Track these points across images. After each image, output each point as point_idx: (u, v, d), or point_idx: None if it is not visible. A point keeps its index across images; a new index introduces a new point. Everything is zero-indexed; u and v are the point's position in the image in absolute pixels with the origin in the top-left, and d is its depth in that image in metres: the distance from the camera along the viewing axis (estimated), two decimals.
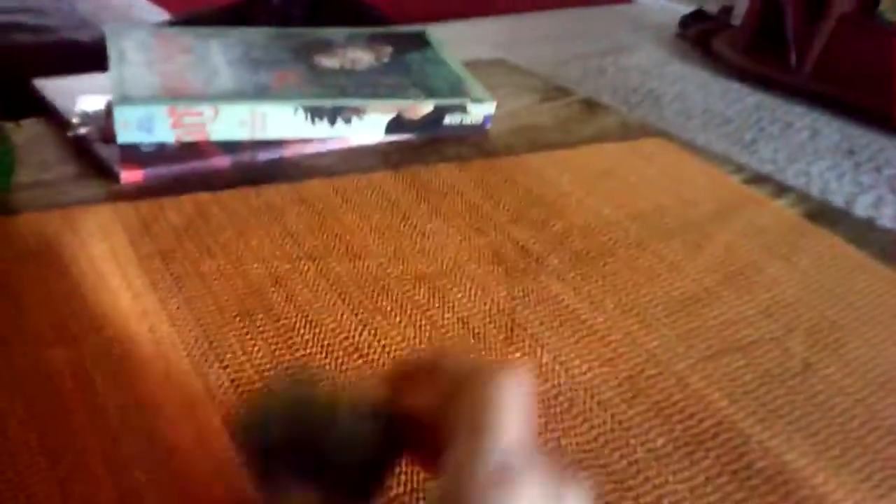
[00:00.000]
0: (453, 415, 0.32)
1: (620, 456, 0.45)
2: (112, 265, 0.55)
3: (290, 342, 0.50)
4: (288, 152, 0.74)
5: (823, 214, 0.73)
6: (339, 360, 0.49)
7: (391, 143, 0.79)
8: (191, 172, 0.70)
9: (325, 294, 0.55)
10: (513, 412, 0.32)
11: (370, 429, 0.35)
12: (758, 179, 0.79)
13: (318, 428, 0.35)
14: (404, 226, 0.64)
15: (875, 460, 0.46)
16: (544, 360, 0.51)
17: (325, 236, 0.62)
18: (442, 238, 0.63)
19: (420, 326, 0.53)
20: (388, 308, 0.54)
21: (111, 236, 0.59)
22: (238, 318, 0.52)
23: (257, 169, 0.72)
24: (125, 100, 0.68)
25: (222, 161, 0.71)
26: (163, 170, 0.69)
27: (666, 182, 0.76)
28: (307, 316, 0.53)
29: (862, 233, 0.70)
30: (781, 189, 0.77)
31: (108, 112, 0.69)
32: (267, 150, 0.73)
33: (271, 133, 0.73)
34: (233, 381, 0.47)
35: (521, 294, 0.57)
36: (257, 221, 0.63)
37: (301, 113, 0.73)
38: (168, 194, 0.65)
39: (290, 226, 0.63)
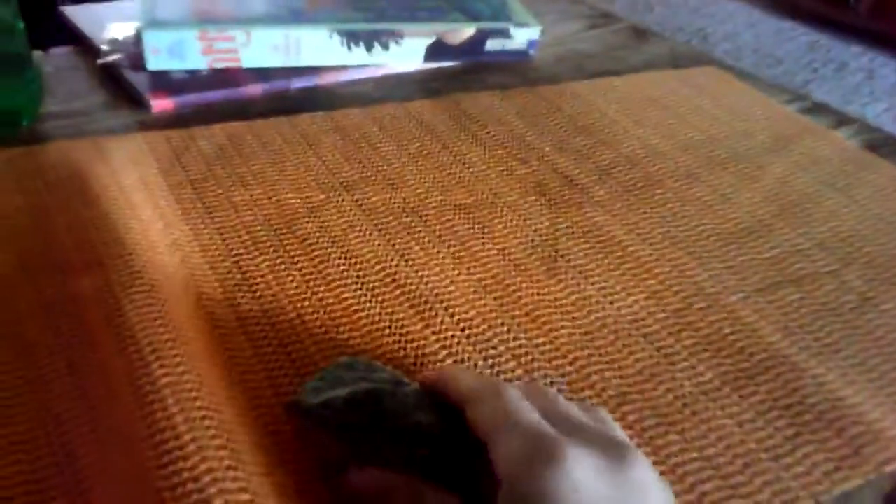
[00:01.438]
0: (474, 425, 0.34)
1: (666, 390, 0.44)
2: (143, 194, 0.55)
3: (324, 273, 0.50)
4: (323, 80, 0.73)
5: (886, 145, 0.70)
6: (375, 292, 0.49)
7: (431, 71, 0.77)
8: (223, 101, 0.69)
9: (361, 224, 0.55)
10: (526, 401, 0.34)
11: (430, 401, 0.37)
12: (816, 109, 0.76)
13: (385, 395, 0.36)
14: (443, 155, 0.63)
15: None
16: (588, 293, 0.50)
17: (361, 165, 0.61)
18: (482, 167, 0.62)
19: (459, 257, 0.52)
20: (426, 239, 0.54)
21: (142, 165, 0.59)
22: (272, 249, 0.52)
23: (291, 97, 0.71)
24: (154, 24, 0.68)
25: (255, 89, 0.71)
26: (194, 98, 0.68)
27: (718, 112, 0.74)
28: (342, 247, 0.53)
29: None
30: (841, 119, 0.75)
31: (138, 38, 0.69)
32: (301, 78, 0.72)
33: (305, 59, 0.73)
34: (265, 311, 0.47)
35: (564, 225, 0.56)
36: (291, 150, 0.62)
37: (336, 38, 0.72)
38: (200, 123, 0.65)
39: (325, 155, 0.62)
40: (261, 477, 0.37)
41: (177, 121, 0.66)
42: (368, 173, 0.60)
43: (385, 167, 0.61)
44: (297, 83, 0.72)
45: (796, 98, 0.78)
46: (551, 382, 0.44)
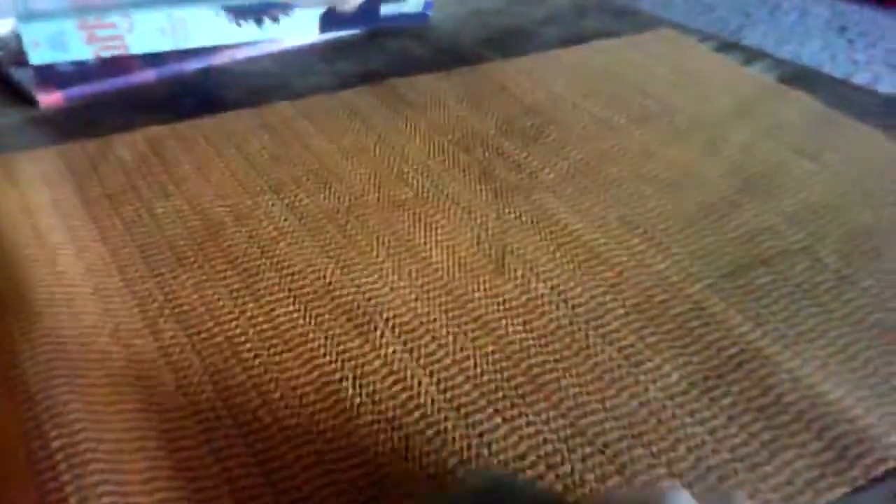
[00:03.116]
0: None
1: (630, 396, 0.40)
2: (54, 217, 0.50)
3: (253, 288, 0.45)
4: (217, 60, 0.69)
5: (799, 78, 0.66)
6: (310, 305, 0.44)
7: (328, 42, 0.73)
8: (115, 90, 0.65)
9: (293, 230, 0.50)
10: None
11: None
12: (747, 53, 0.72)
13: None
14: (380, 147, 0.58)
15: None
16: (540, 291, 0.46)
17: (291, 165, 0.56)
18: (422, 158, 0.57)
19: (400, 260, 0.47)
20: (364, 242, 0.49)
21: (54, 183, 0.54)
22: (196, 265, 0.47)
23: (186, 81, 0.66)
24: (30, 16, 0.63)
25: (147, 75, 0.66)
26: (83, 89, 0.64)
27: (674, 78, 0.69)
28: (272, 257, 0.48)
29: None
30: (752, 56, 0.70)
31: (17, 33, 0.64)
32: (194, 60, 0.68)
33: (195, 40, 0.68)
34: (190, 337, 0.43)
35: (512, 216, 0.51)
36: (216, 153, 0.57)
37: (223, 15, 0.68)
38: (96, 116, 0.60)
39: (253, 156, 0.57)
40: None
41: (70, 116, 0.62)
42: (299, 173, 0.55)
43: (317, 165, 0.56)
44: (191, 65, 0.68)
45: (754, 57, 0.73)
46: (510, 403, 0.39)
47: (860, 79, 2.02)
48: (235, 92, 0.66)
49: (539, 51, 0.73)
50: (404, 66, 0.70)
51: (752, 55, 0.74)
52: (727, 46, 0.75)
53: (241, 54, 0.70)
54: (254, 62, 0.70)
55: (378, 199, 0.53)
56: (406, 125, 0.61)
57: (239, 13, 0.69)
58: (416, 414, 0.39)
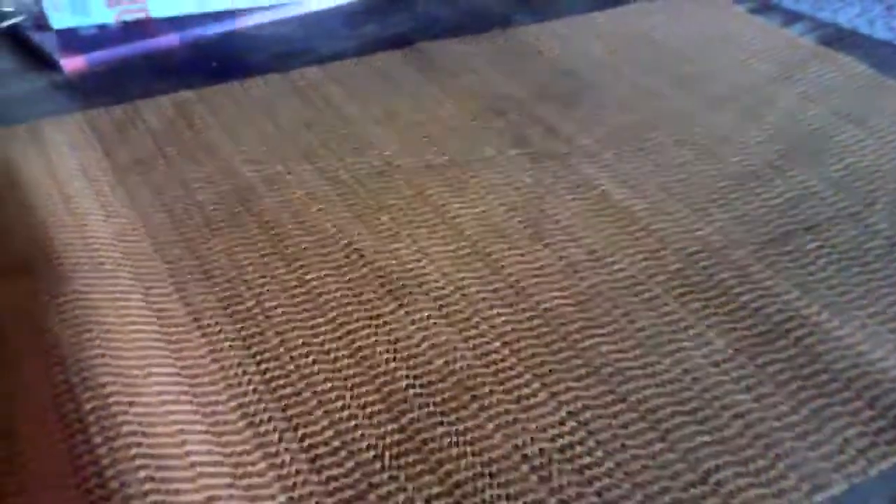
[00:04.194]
0: None
1: (672, 363, 0.39)
2: (82, 182, 0.50)
3: (284, 253, 0.45)
4: (240, 24, 0.68)
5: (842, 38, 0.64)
6: (342, 270, 0.44)
7: (353, 5, 0.72)
8: (138, 54, 0.65)
9: (324, 195, 0.49)
10: None
11: None
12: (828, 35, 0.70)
13: None
14: (412, 113, 0.58)
15: None
16: (578, 257, 0.45)
17: (321, 130, 0.56)
18: (455, 123, 0.56)
19: (433, 225, 0.47)
20: (396, 207, 0.49)
21: (81, 149, 0.54)
22: (227, 230, 0.47)
23: (210, 45, 0.66)
24: None
25: (171, 39, 0.66)
26: (106, 54, 0.64)
27: (713, 43, 0.68)
28: (304, 222, 0.47)
29: None
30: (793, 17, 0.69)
31: None
32: (217, 24, 0.68)
33: (218, 3, 0.68)
34: (221, 301, 0.43)
35: (549, 181, 0.51)
36: (246, 119, 0.57)
37: None
38: (120, 82, 0.60)
39: (283, 121, 0.57)
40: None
41: (94, 80, 0.62)
42: (330, 138, 0.55)
43: (347, 131, 0.56)
44: (214, 29, 0.68)
45: (798, 18, 0.72)
46: (549, 369, 0.39)
47: None
48: (261, 56, 0.66)
49: (572, 13, 0.72)
50: (432, 30, 0.69)
51: (790, 17, 0.72)
52: (765, 8, 0.74)
53: (264, 18, 0.70)
54: (277, 26, 0.70)
55: (410, 164, 0.52)
56: (437, 90, 0.61)
57: None
58: (453, 379, 0.38)
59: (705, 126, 0.56)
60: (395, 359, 0.39)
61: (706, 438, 0.36)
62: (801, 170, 0.52)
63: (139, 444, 0.34)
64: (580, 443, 0.35)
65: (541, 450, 0.35)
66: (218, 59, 0.65)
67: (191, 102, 0.59)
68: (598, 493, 0.33)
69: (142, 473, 0.32)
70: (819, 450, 0.35)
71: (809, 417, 0.36)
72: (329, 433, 0.36)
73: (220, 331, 0.41)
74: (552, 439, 0.36)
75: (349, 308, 0.42)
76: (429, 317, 0.41)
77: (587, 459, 0.35)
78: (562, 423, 0.36)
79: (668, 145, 0.54)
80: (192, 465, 0.34)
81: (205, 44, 0.67)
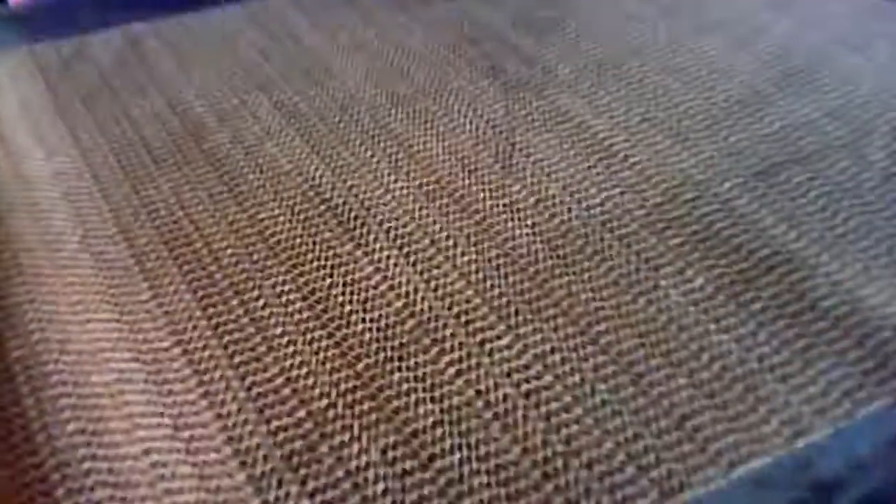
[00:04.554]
0: None
1: (647, 302, 0.37)
2: (22, 119, 0.48)
3: (235, 191, 0.43)
4: None
5: None
6: (296, 209, 0.42)
7: None
8: None
9: (280, 130, 0.47)
10: None
11: None
12: None
13: None
14: (378, 42, 0.55)
15: None
16: (551, 192, 0.43)
17: (282, 62, 0.53)
18: (425, 52, 0.54)
19: (396, 160, 0.45)
20: (357, 141, 0.46)
21: (23, 82, 0.51)
22: (175, 167, 0.45)
23: None
24: None
25: None
26: None
27: None
28: (257, 158, 0.45)
29: None
30: None
31: None
32: None
33: None
34: (167, 243, 0.41)
35: (522, 112, 0.49)
36: (202, 52, 0.54)
37: None
38: (87, 23, 0.57)
39: (241, 54, 0.54)
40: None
41: (42, 13, 0.59)
42: (290, 70, 0.52)
43: (309, 62, 0.53)
44: None
45: None
46: (515, 310, 0.37)
47: None
48: None
49: None
50: None
51: None
52: None
53: None
54: None
55: (374, 97, 0.50)
56: (408, 18, 0.58)
57: None
58: (412, 322, 0.36)
59: (692, 54, 0.54)
60: (351, 301, 0.37)
61: (681, 381, 0.34)
62: (794, 99, 0.50)
63: (69, 395, 0.32)
64: (547, 388, 0.34)
65: (504, 395, 0.33)
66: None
67: (144, 36, 0.56)
68: (566, 441, 0.32)
69: (72, 426, 0.31)
70: (802, 393, 0.33)
71: (793, 358, 0.35)
72: (279, 381, 0.34)
73: (165, 273, 0.39)
74: (517, 384, 0.34)
75: (303, 249, 0.40)
76: (388, 257, 0.39)
77: (554, 405, 0.33)
78: (527, 366, 0.34)
79: (652, 74, 0.52)
80: (130, 415, 0.32)
81: None
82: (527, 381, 0.34)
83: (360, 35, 0.56)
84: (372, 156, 0.45)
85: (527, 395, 0.33)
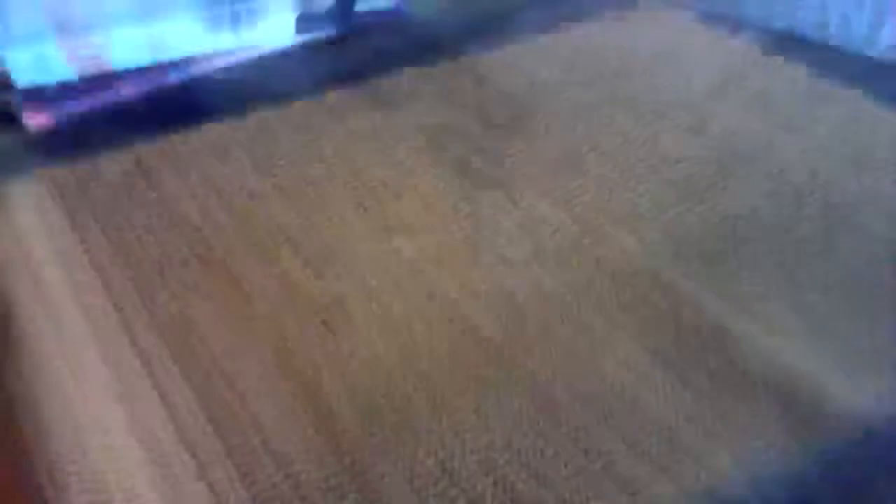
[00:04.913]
0: None
1: (600, 378, 0.43)
2: (43, 238, 0.54)
3: (237, 296, 0.49)
4: (197, 69, 0.72)
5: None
6: (291, 321, 0.48)
7: (305, 45, 0.76)
8: (101, 107, 0.68)
9: (264, 239, 0.53)
10: None
11: None
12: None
13: None
14: (361, 148, 0.62)
15: (887, 347, 0.43)
16: (514, 283, 0.49)
17: (272, 176, 0.59)
18: (401, 157, 0.60)
19: (374, 253, 0.51)
20: (346, 236, 0.53)
21: (43, 206, 0.57)
22: (180, 277, 0.51)
23: (169, 93, 0.70)
24: (11, 40, 0.67)
25: (131, 89, 0.70)
26: (69, 108, 0.68)
27: (660, 56, 0.72)
28: (245, 265, 0.51)
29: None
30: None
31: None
32: (175, 71, 0.72)
33: (174, 52, 0.72)
34: (169, 348, 0.46)
35: (487, 210, 0.55)
36: (199, 167, 0.61)
37: (200, 24, 0.71)
38: (88, 137, 0.64)
39: (236, 168, 0.61)
40: None
41: (59, 135, 0.65)
42: (282, 184, 0.59)
43: (297, 175, 0.59)
44: (173, 77, 0.71)
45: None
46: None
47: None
48: (218, 100, 0.70)
49: (519, 37, 0.76)
50: (383, 64, 0.73)
51: (737, 25, 0.76)
52: (713, 18, 0.77)
53: (220, 63, 0.74)
54: (233, 70, 0.73)
55: (357, 199, 0.56)
56: (386, 124, 0.64)
57: (216, 21, 0.72)
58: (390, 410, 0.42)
59: (646, 145, 0.60)
60: (336, 389, 0.43)
61: (615, 437, 0.39)
62: (735, 184, 0.55)
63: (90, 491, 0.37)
64: (509, 463, 0.39)
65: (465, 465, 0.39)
66: (175, 108, 0.69)
67: (148, 154, 0.63)
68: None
69: None
70: (727, 448, 0.39)
71: (713, 414, 0.40)
72: (266, 459, 0.40)
73: (168, 376, 0.45)
74: (479, 462, 0.39)
75: (294, 343, 0.46)
76: (367, 340, 0.45)
77: (517, 477, 0.38)
78: (490, 446, 0.40)
79: (607, 167, 0.58)
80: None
81: (164, 92, 0.71)
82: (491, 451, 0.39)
83: (343, 144, 0.62)
84: (358, 250, 0.51)
85: (486, 462, 0.39)
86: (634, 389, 0.42)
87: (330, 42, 0.76)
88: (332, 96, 0.69)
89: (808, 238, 0.50)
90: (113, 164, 0.62)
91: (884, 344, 0.43)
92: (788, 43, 0.73)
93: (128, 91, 0.70)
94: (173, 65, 0.72)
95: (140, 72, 0.72)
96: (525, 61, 0.72)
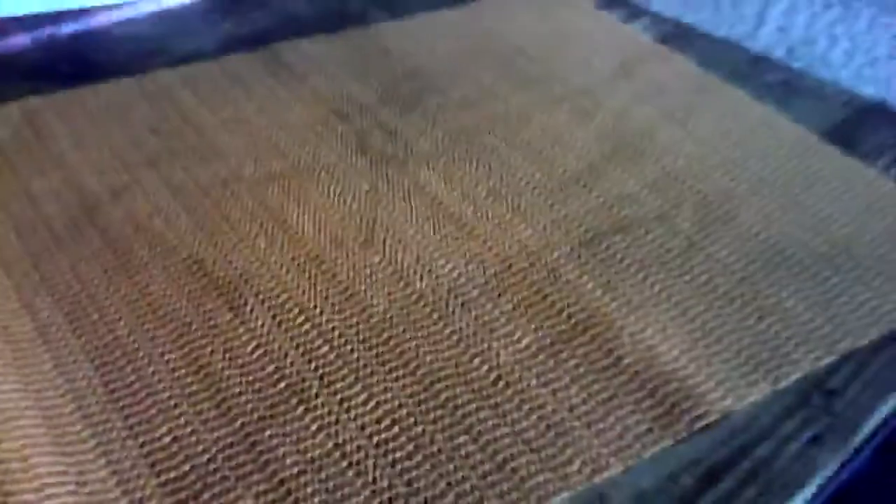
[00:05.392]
0: None
1: (481, 362, 0.45)
2: None
3: (127, 265, 0.50)
4: (95, 22, 0.72)
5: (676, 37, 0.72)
6: (181, 281, 0.49)
7: (207, 4, 0.76)
8: None
9: (167, 206, 0.54)
10: None
11: None
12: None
13: None
14: (260, 117, 0.63)
15: (753, 343, 0.47)
16: (406, 263, 0.51)
17: (169, 139, 0.60)
18: (301, 128, 0.62)
19: (272, 235, 0.52)
20: (237, 216, 0.54)
21: None
22: (73, 244, 0.51)
23: (63, 45, 0.69)
24: None
25: (21, 39, 0.69)
26: None
27: (560, 39, 0.74)
28: (147, 234, 0.52)
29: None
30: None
31: None
32: (70, 23, 0.71)
33: (68, 1, 0.70)
34: (67, 316, 0.47)
35: (385, 187, 0.57)
36: (96, 126, 0.61)
37: None
38: None
39: (132, 128, 0.61)
40: None
41: None
42: (178, 147, 0.59)
43: (195, 138, 0.60)
44: (67, 28, 0.71)
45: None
46: (371, 371, 0.45)
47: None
48: (115, 56, 0.69)
49: (427, 9, 0.78)
50: (289, 28, 0.74)
51: (635, 12, 0.79)
52: (613, 3, 0.81)
53: (119, 15, 0.73)
54: (133, 24, 0.73)
55: (254, 172, 0.57)
56: (287, 93, 0.65)
57: None
58: (282, 384, 0.44)
59: (539, 128, 0.63)
60: (229, 366, 0.45)
61: (505, 430, 0.42)
62: (620, 171, 0.59)
63: None
64: (394, 439, 0.41)
65: (359, 446, 0.41)
66: (70, 61, 0.68)
67: (39, 109, 0.62)
68: (407, 483, 0.40)
69: None
70: (602, 437, 0.42)
71: (597, 408, 0.43)
72: (168, 439, 0.41)
73: (65, 345, 0.45)
74: (369, 436, 0.41)
75: (188, 319, 0.47)
76: (262, 325, 0.47)
77: (399, 454, 0.41)
78: (378, 420, 0.42)
79: (502, 148, 0.61)
80: (37, 476, 0.39)
81: (57, 43, 0.70)
82: (378, 433, 0.42)
83: (243, 111, 0.63)
84: (250, 231, 0.53)
85: (377, 445, 0.41)
86: (516, 374, 0.45)
87: (234, 1, 0.76)
88: (234, 59, 0.69)
89: (684, 230, 0.54)
90: (1, 119, 0.61)
91: (749, 342, 0.47)
92: (681, 32, 0.76)
93: (18, 41, 0.69)
94: (69, 15, 0.71)
95: (32, 20, 0.70)
96: (430, 34, 0.74)
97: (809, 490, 0.41)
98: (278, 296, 0.49)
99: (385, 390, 0.44)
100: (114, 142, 0.59)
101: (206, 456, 0.40)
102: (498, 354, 0.46)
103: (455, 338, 0.47)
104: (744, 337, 0.47)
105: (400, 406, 0.43)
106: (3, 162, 0.57)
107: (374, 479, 0.40)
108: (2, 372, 0.43)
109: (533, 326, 0.48)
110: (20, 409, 0.42)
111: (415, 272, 0.51)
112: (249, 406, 0.43)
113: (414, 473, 0.40)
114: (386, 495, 0.39)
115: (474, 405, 0.43)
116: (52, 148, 0.58)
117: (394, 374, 0.44)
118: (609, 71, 0.70)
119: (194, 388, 0.43)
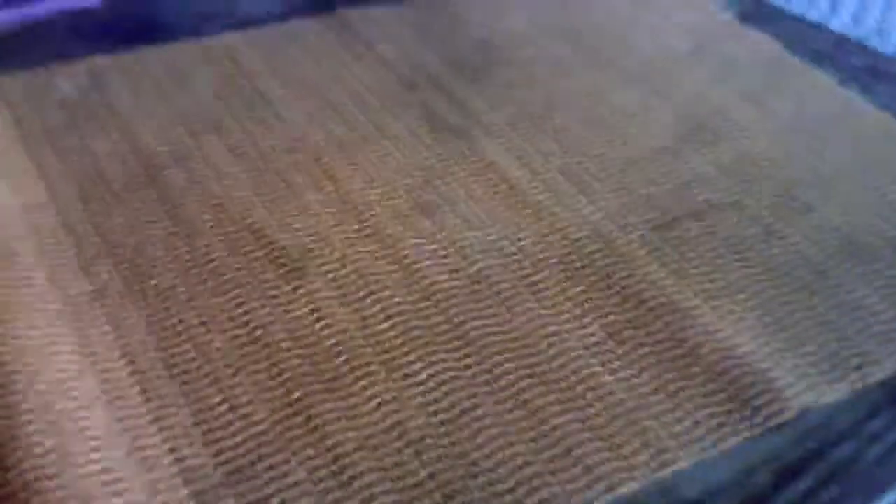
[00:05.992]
0: None
1: (548, 346, 0.44)
2: None
3: (188, 231, 0.50)
4: None
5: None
6: (244, 249, 0.48)
7: None
8: (54, 13, 0.67)
9: (231, 171, 0.54)
10: None
11: None
12: None
13: None
14: (327, 84, 0.62)
15: (831, 341, 0.45)
16: (471, 240, 0.50)
17: (233, 102, 0.59)
18: (368, 96, 0.61)
19: (336, 205, 0.52)
20: (300, 184, 0.53)
21: None
22: (133, 204, 0.51)
23: (131, 6, 0.69)
24: None
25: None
26: (16, 13, 0.67)
27: (636, 16, 0.72)
28: (209, 199, 0.52)
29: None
30: None
31: None
32: None
33: None
34: (125, 279, 0.47)
35: (452, 161, 0.56)
36: (159, 89, 0.60)
37: None
38: (49, 51, 0.63)
39: (196, 91, 0.60)
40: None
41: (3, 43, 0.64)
42: (242, 112, 0.59)
43: (261, 102, 0.60)
44: None
45: None
46: (433, 349, 0.44)
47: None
48: (181, 18, 0.69)
49: None
50: None
51: None
52: None
53: None
54: None
55: (319, 141, 0.56)
56: (353, 59, 0.64)
57: None
58: (341, 359, 0.43)
59: (613, 106, 0.61)
60: (288, 338, 0.44)
61: (569, 417, 0.41)
62: (695, 153, 0.57)
63: (37, 421, 0.38)
64: (454, 420, 0.40)
65: (417, 426, 0.40)
66: (137, 21, 0.68)
67: (105, 69, 0.62)
68: (467, 466, 0.39)
69: (39, 448, 0.37)
70: (672, 429, 0.41)
71: (667, 399, 0.42)
72: (223, 408, 0.41)
73: (122, 308, 0.45)
74: (429, 416, 0.41)
75: (248, 287, 0.46)
76: (324, 296, 0.46)
77: (459, 435, 0.40)
78: (438, 401, 0.41)
79: (574, 126, 0.59)
80: (90, 438, 0.38)
81: (125, 4, 0.70)
82: (437, 413, 0.41)
83: (309, 76, 0.62)
84: (313, 199, 0.52)
85: (436, 425, 0.40)
86: (584, 360, 0.44)
87: None
88: (300, 24, 0.68)
89: (762, 217, 0.52)
90: (67, 77, 0.61)
91: (828, 337, 0.45)
92: (761, 10, 0.74)
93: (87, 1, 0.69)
94: None
95: None
96: (501, 5, 0.73)
97: (893, 494, 0.39)
98: (340, 268, 0.48)
99: (446, 370, 0.43)
100: (177, 105, 0.59)
101: (260, 427, 0.40)
102: (565, 339, 0.45)
103: (520, 320, 0.46)
104: (823, 332, 0.46)
105: (462, 387, 0.42)
106: (67, 119, 0.57)
107: (433, 460, 0.39)
108: (60, 334, 0.43)
109: (602, 312, 0.46)
110: (76, 371, 0.41)
111: (480, 250, 0.49)
112: (307, 379, 0.42)
113: (473, 456, 0.39)
114: (443, 476, 0.38)
115: (539, 389, 0.42)
116: (116, 108, 0.58)
117: (456, 355, 0.43)
118: (685, 49, 0.68)
119: (251, 357, 0.43)
